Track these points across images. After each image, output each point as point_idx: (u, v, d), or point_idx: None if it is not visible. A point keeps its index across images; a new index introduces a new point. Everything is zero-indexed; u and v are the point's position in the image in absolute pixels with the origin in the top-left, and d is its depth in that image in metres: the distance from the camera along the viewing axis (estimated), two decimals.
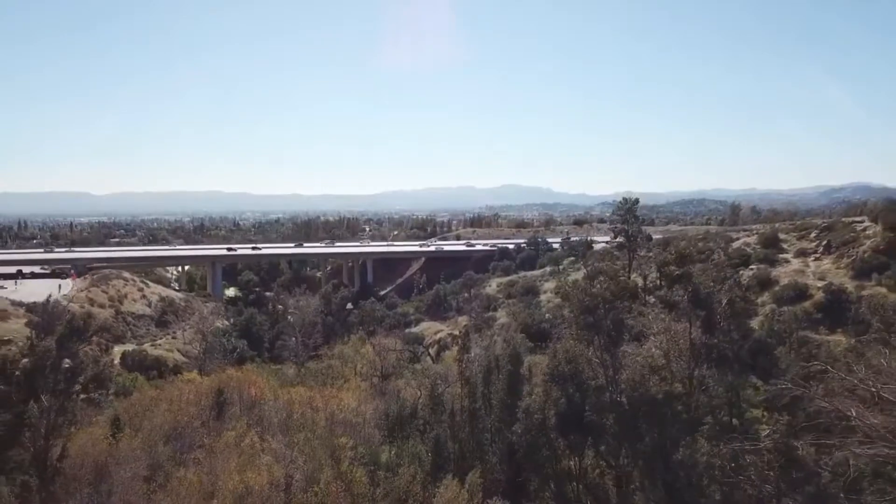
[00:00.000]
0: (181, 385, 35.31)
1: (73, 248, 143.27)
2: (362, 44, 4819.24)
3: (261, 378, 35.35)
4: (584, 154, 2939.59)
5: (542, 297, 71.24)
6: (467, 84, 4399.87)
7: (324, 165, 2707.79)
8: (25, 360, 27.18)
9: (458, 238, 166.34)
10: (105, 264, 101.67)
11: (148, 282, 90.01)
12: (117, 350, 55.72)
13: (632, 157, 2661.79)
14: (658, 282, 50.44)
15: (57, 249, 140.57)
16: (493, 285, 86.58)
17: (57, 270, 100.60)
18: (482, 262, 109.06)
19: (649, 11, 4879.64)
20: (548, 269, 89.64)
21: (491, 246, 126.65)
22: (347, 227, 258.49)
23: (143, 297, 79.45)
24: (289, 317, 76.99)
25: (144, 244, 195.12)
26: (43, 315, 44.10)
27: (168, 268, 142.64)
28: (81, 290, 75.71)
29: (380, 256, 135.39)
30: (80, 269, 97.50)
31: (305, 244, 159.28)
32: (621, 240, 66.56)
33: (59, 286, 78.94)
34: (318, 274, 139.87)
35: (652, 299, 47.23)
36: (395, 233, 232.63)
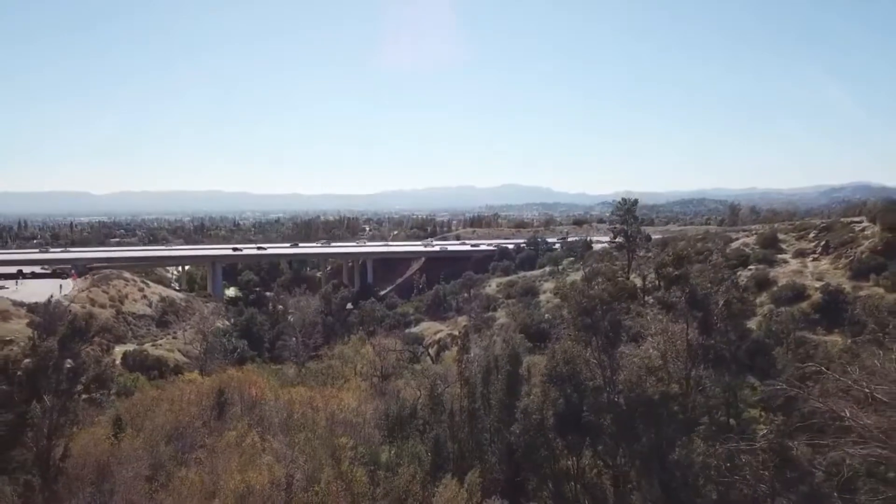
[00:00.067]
0: (182, 385, 35.52)
1: (69, 249, 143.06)
2: (362, 44, 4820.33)
3: (261, 378, 35.54)
4: (584, 154, 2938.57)
5: (542, 298, 71.45)
6: (467, 84, 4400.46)
7: (324, 165, 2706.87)
8: (27, 360, 27.36)
9: (457, 238, 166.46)
10: (105, 264, 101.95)
11: (148, 282, 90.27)
12: (118, 350, 55.91)
13: (632, 157, 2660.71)
14: (657, 282, 50.66)
15: (52, 249, 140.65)
16: (492, 285, 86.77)
17: (58, 270, 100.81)
18: (482, 262, 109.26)
19: (649, 11, 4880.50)
20: (547, 269, 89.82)
21: (495, 246, 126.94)
22: (347, 226, 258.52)
23: (144, 297, 79.70)
24: (289, 317, 77.20)
25: (144, 244, 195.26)
26: (45, 315, 44.38)
27: (168, 268, 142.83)
28: (82, 291, 75.95)
29: (380, 256, 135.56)
30: (80, 269, 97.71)
31: (301, 244, 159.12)
32: (620, 240, 66.74)
33: (60, 286, 79.20)
34: (318, 274, 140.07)
35: (650, 300, 47.47)
36: (395, 233, 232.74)
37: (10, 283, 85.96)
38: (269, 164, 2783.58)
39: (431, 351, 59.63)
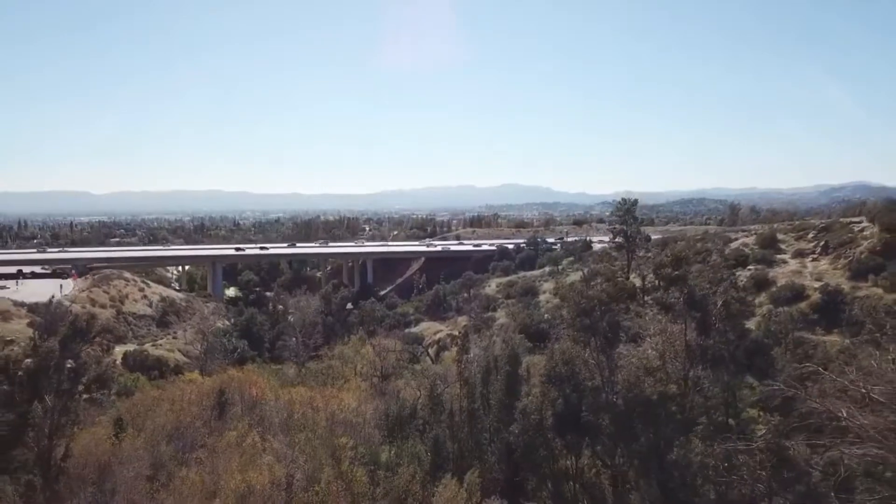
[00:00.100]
0: (183, 385, 35.67)
1: (65, 249, 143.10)
2: (362, 44, 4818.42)
3: (262, 378, 35.66)
4: (584, 154, 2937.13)
5: (541, 298, 71.59)
6: (467, 84, 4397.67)
7: (324, 165, 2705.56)
8: (29, 360, 27.48)
9: (457, 238, 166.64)
10: (106, 264, 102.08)
11: (149, 282, 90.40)
12: (119, 350, 56.05)
13: (632, 156, 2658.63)
14: (657, 283, 50.77)
15: (50, 249, 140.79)
16: (492, 285, 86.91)
17: (58, 270, 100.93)
18: (482, 263, 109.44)
19: (649, 11, 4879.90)
20: (547, 269, 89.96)
21: (498, 246, 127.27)
22: (347, 226, 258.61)
23: (144, 297, 79.83)
24: (289, 317, 77.30)
25: (144, 244, 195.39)
26: (46, 316, 44.46)
27: (168, 268, 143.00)
28: (83, 291, 76.11)
29: (380, 256, 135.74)
30: (80, 269, 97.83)
31: (299, 244, 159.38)
32: (620, 240, 66.86)
33: (61, 286, 79.35)
34: (318, 274, 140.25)
35: (650, 300, 47.58)
36: (395, 232, 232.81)
37: (10, 283, 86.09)
38: (269, 163, 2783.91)
39: (431, 351, 59.75)
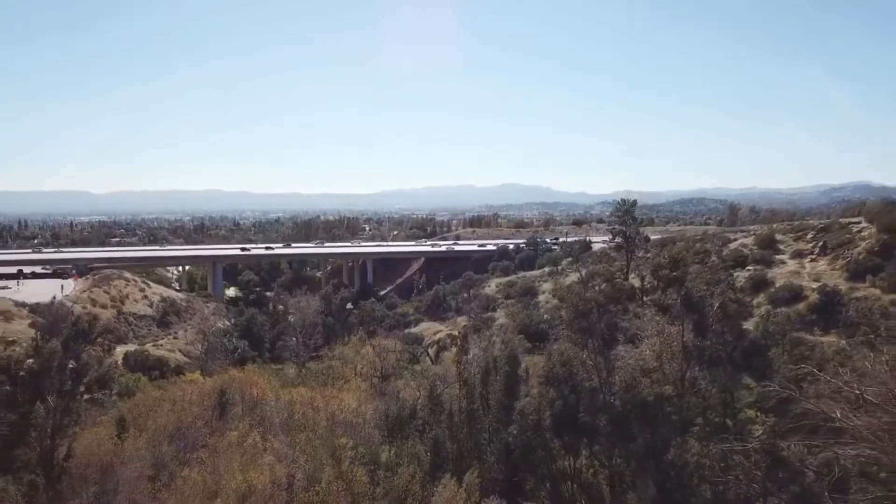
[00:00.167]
0: (184, 385, 35.85)
1: (62, 249, 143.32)
2: (362, 44, 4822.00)
3: (262, 378, 35.84)
4: (584, 153, 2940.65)
5: (541, 298, 71.69)
6: (467, 84, 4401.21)
7: (324, 165, 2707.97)
8: (31, 360, 27.66)
9: (457, 238, 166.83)
10: (106, 264, 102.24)
11: (149, 282, 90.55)
12: (119, 350, 56.23)
13: (632, 156, 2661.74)
14: (656, 283, 50.95)
15: (49, 249, 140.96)
16: (492, 286, 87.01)
17: (58, 270, 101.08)
18: (481, 263, 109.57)
19: (649, 11, 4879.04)
20: (546, 269, 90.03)
21: (499, 246, 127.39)
22: (347, 226, 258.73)
23: (145, 297, 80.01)
24: (289, 317, 77.42)
25: (145, 244, 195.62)
26: (48, 316, 44.64)
27: (169, 268, 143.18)
28: (83, 291, 76.28)
29: (380, 256, 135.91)
30: (81, 269, 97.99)
31: (294, 244, 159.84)
32: (619, 241, 66.99)
33: (61, 286, 79.52)
34: (319, 274, 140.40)
35: (648, 301, 47.75)
36: (395, 232, 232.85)
37: (11, 283, 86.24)
38: (269, 163, 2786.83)
39: (431, 351, 59.89)
